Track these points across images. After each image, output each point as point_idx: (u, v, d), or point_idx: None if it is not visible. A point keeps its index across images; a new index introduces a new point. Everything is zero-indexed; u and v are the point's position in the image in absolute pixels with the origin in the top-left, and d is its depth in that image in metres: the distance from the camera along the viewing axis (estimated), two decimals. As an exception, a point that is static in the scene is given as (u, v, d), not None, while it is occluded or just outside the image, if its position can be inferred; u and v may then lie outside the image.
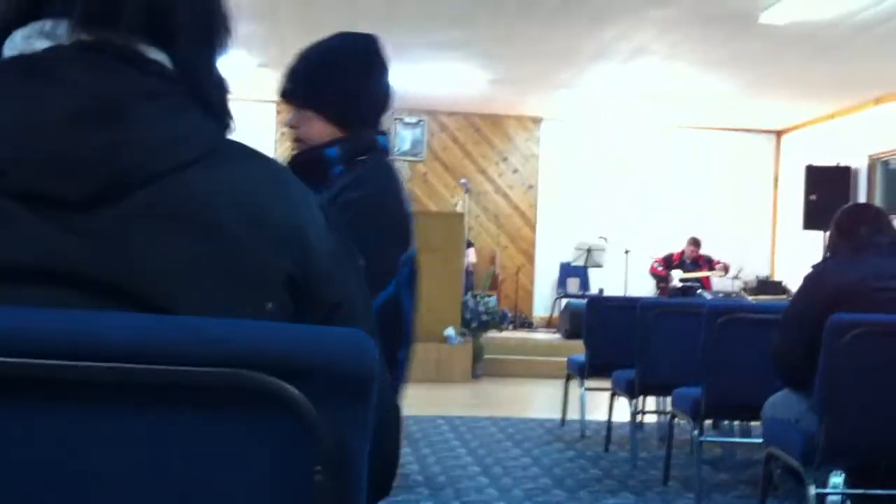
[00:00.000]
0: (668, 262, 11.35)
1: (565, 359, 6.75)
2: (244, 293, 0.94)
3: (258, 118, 11.40)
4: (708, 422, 4.57)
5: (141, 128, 0.94)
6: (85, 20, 0.98)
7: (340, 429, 0.88)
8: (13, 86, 0.95)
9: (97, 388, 0.84)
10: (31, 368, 0.82)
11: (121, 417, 0.86)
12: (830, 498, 3.53)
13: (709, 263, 11.25)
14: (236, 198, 0.96)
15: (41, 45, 0.97)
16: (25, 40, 0.98)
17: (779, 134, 13.19)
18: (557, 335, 10.98)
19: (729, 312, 4.37)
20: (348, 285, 1.06)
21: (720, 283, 11.38)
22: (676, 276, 11.22)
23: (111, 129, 0.93)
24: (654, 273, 11.36)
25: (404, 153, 12.93)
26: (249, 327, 0.90)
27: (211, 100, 1.05)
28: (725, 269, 11.18)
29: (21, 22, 1.00)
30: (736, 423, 5.37)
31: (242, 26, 8.59)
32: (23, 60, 0.97)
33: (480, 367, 9.35)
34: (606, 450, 5.49)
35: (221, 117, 1.06)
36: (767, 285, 11.93)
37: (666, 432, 5.24)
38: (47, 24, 0.99)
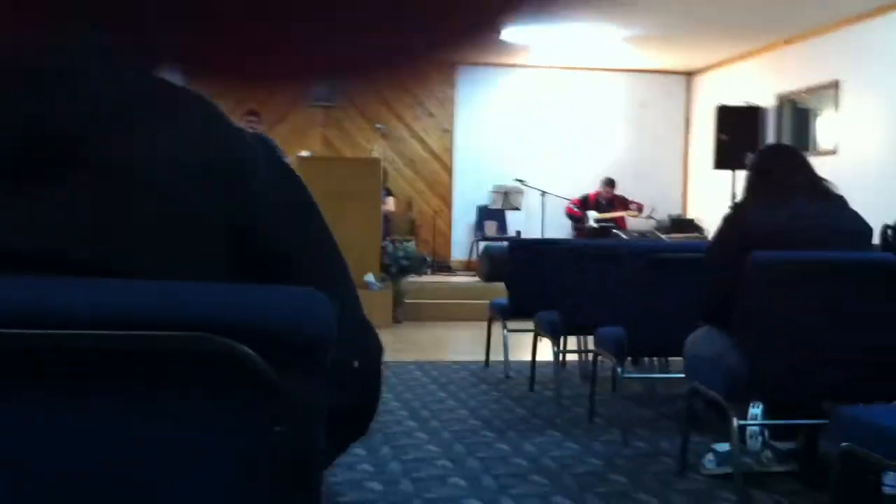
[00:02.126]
0: (584, 204, 11.48)
1: (485, 302, 6.82)
2: (188, 251, 0.92)
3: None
4: (629, 360, 4.67)
5: (83, 91, 0.90)
6: None
7: (297, 388, 0.88)
8: None
9: (54, 356, 0.83)
10: None
11: (80, 384, 0.85)
12: (750, 429, 3.66)
13: (624, 204, 11.42)
14: (176, 152, 0.93)
15: None
16: None
17: (690, 75, 13.37)
18: (476, 278, 11.06)
19: (649, 253, 4.46)
20: (299, 235, 1.03)
21: (635, 222, 11.57)
22: (592, 216, 11.36)
23: (35, 93, 0.89)
24: (570, 214, 11.49)
25: (318, 98, 12.74)
26: (204, 290, 0.89)
27: (149, 47, 0.98)
28: (640, 208, 11.35)
29: None
30: (655, 359, 5.51)
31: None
32: None
33: (401, 312, 9.39)
34: (531, 389, 5.58)
35: (159, 59, 1.00)
36: (681, 224, 12.19)
37: (588, 371, 5.36)
38: None
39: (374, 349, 1.08)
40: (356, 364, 1.05)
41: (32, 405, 0.84)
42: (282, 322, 0.89)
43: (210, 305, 0.87)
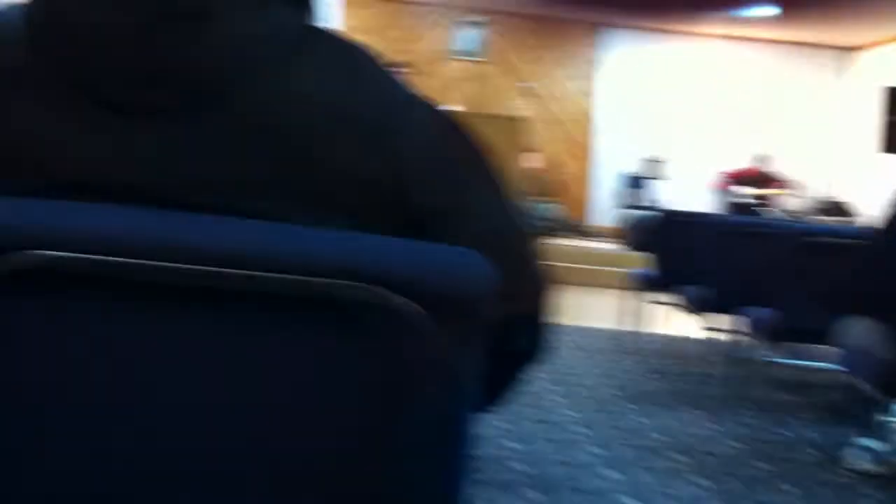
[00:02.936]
0: (736, 178, 11.17)
1: (625, 270, 6.72)
2: (327, 201, 0.89)
3: None
4: (777, 342, 4.54)
5: (224, 28, 0.88)
6: None
7: (448, 344, 0.86)
8: None
9: (209, 294, 0.83)
10: (150, 270, 0.81)
11: (228, 324, 0.85)
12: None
13: (774, 181, 11.07)
14: (319, 100, 0.90)
15: None
16: None
17: (849, 51, 12.78)
18: (615, 246, 10.93)
19: (805, 235, 4.31)
20: (459, 191, 0.97)
21: (782, 202, 11.21)
22: (743, 192, 11.05)
23: (192, 32, 0.87)
24: (721, 188, 11.20)
25: (464, 53, 12.70)
26: (358, 240, 0.87)
27: None
28: (792, 187, 10.99)
29: None
30: (804, 345, 5.34)
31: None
32: None
33: (537, 274, 9.36)
34: (672, 364, 5.50)
35: (303, 6, 0.96)
36: (830, 207, 11.74)
37: (734, 351, 5.24)
38: None
39: (542, 301, 1.08)
40: (525, 315, 1.05)
41: (181, 339, 0.85)
42: (437, 277, 0.86)
43: (364, 253, 0.85)
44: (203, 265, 0.82)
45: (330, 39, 0.95)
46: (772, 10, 10.68)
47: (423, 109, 0.97)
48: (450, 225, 0.95)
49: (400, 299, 0.83)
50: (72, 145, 0.86)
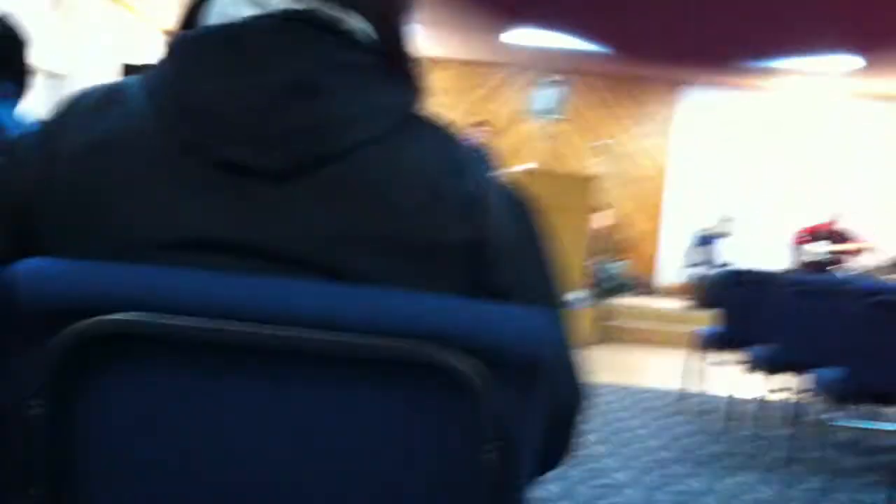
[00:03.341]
0: (811, 235, 11.01)
1: (692, 328, 6.65)
2: (419, 265, 0.95)
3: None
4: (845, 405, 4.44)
5: (335, 103, 0.95)
6: None
7: (509, 409, 0.89)
8: (217, 57, 0.96)
9: (280, 353, 0.87)
10: (221, 333, 0.85)
11: (299, 382, 0.88)
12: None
13: (848, 239, 10.88)
14: (419, 173, 0.96)
15: (248, 11, 0.98)
16: (232, 6, 0.99)
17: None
18: (681, 303, 10.81)
19: (877, 294, 4.23)
20: (527, 271, 1.04)
21: (855, 260, 10.99)
22: (818, 249, 10.87)
23: (307, 105, 0.94)
24: (796, 246, 11.03)
25: (542, 112, 12.81)
26: (427, 301, 0.91)
27: (406, 70, 1.06)
28: (868, 247, 10.79)
29: None
30: (873, 407, 5.21)
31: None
32: (228, 30, 0.97)
33: (605, 333, 9.30)
34: (728, 425, 5.39)
35: (415, 87, 1.06)
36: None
37: (790, 411, 5.13)
38: None
39: (575, 392, 1.08)
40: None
41: (252, 398, 0.89)
42: (504, 338, 0.90)
43: (433, 315, 0.89)
44: (280, 327, 0.86)
45: (426, 119, 1.03)
46: (855, 61, 10.49)
47: (505, 191, 1.05)
48: (513, 295, 1.00)
49: (467, 360, 0.86)
50: (191, 206, 0.92)
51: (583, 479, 3.96)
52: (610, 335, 9.38)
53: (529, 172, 10.20)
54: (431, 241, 0.95)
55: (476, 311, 0.92)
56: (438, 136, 1.03)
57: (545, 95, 12.84)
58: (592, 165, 11.73)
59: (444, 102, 12.56)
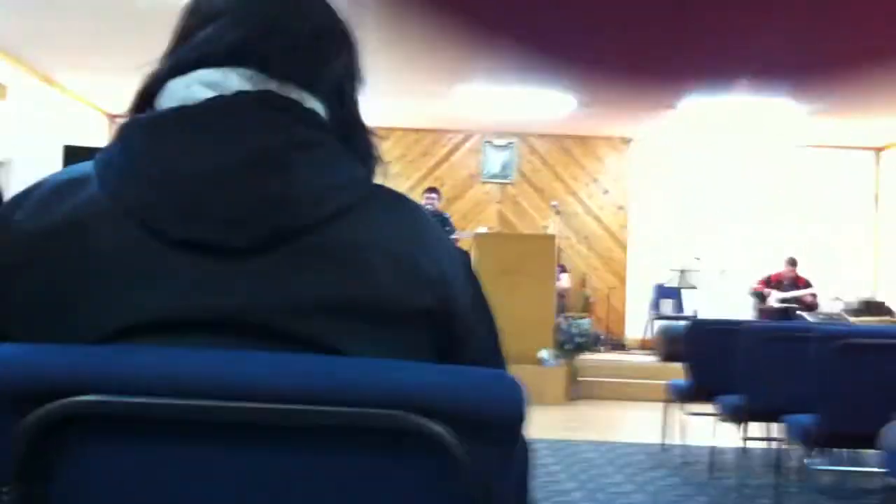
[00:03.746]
0: (767, 283, 11.14)
1: (661, 381, 6.66)
2: (390, 331, 0.97)
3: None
4: (818, 449, 4.44)
5: (301, 179, 0.96)
6: (247, 70, 1.02)
7: (488, 470, 0.89)
8: (178, 137, 0.97)
9: (254, 428, 0.87)
10: (195, 409, 0.86)
11: (278, 456, 0.88)
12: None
13: (807, 285, 11.01)
14: (385, 244, 0.99)
15: (202, 94, 1.00)
16: (186, 88, 1.01)
17: (878, 150, 12.83)
18: (652, 357, 10.83)
19: (842, 337, 4.25)
20: (487, 341, 1.08)
21: (822, 304, 11.11)
22: (775, 296, 10.99)
23: (274, 181, 0.95)
24: (756, 292, 11.14)
25: (494, 175, 12.96)
26: (404, 369, 0.92)
27: (361, 146, 1.09)
28: (825, 289, 10.95)
29: (179, 72, 1.03)
30: (845, 450, 5.23)
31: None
32: (187, 111, 0.99)
33: (576, 390, 9.28)
34: (712, 476, 5.38)
35: (370, 161, 1.09)
36: (871, 306, 11.59)
37: (772, 459, 5.13)
38: (208, 74, 1.01)
39: (524, 447, 1.10)
40: None
41: (227, 471, 0.88)
42: (484, 403, 0.91)
43: (405, 384, 0.90)
44: (248, 402, 0.86)
45: (386, 192, 1.06)
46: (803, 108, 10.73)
47: (460, 256, 1.10)
48: (467, 351, 1.04)
49: (438, 426, 0.87)
50: (155, 287, 0.92)
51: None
52: (584, 391, 9.36)
53: (489, 235, 10.26)
54: (400, 308, 0.97)
55: (454, 377, 0.93)
56: (400, 206, 1.06)
57: (497, 158, 13.00)
58: (550, 225, 11.81)
59: (397, 170, 12.65)
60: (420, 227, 1.05)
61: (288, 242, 0.94)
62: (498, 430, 0.92)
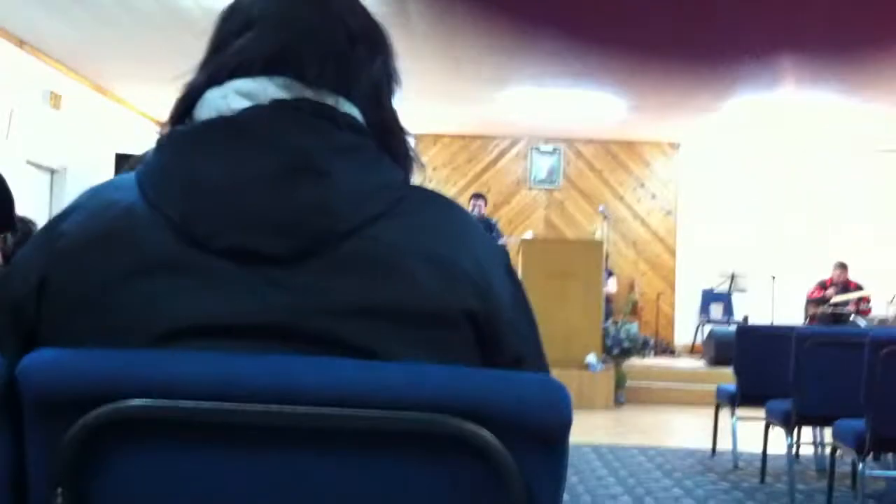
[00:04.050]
0: (824, 288, 10.99)
1: (709, 386, 6.62)
2: (433, 334, 0.97)
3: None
4: (870, 454, 4.38)
5: (340, 184, 0.97)
6: (282, 78, 1.03)
7: (533, 476, 0.89)
8: (218, 147, 0.99)
9: (298, 432, 0.88)
10: (241, 414, 0.87)
11: (321, 460, 0.89)
12: None
13: (859, 288, 10.84)
14: (424, 246, 0.99)
15: (238, 104, 1.01)
16: (223, 98, 1.02)
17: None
18: (700, 362, 10.75)
19: (892, 342, 4.20)
20: (529, 338, 1.07)
21: (877, 308, 10.93)
22: (832, 300, 10.83)
23: (314, 187, 0.96)
24: (813, 299, 10.98)
25: (541, 181, 12.95)
26: (447, 373, 0.93)
27: (397, 148, 1.10)
28: (866, 299, 10.78)
29: (216, 82, 1.04)
30: (899, 456, 5.16)
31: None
32: (225, 121, 1.00)
33: (622, 395, 9.24)
34: (762, 482, 5.33)
35: (406, 163, 1.10)
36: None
37: (822, 465, 5.08)
38: (245, 84, 1.03)
39: None
40: None
41: (271, 475, 0.89)
42: (519, 407, 0.91)
43: (448, 387, 0.90)
44: (292, 406, 0.87)
45: (423, 193, 1.06)
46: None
47: (501, 254, 1.08)
48: (513, 357, 1.03)
49: (482, 430, 0.87)
50: (195, 295, 0.93)
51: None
52: (631, 396, 9.32)
53: (535, 240, 10.25)
54: (441, 310, 0.97)
55: (498, 380, 0.94)
56: (438, 206, 1.06)
57: (543, 163, 12.98)
58: (597, 230, 11.77)
59: (443, 176, 12.69)
60: (458, 226, 1.05)
61: (328, 248, 0.95)
62: (543, 434, 0.92)
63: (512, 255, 10.46)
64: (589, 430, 7.34)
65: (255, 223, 0.95)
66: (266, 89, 1.02)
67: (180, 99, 1.07)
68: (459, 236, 1.04)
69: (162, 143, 1.02)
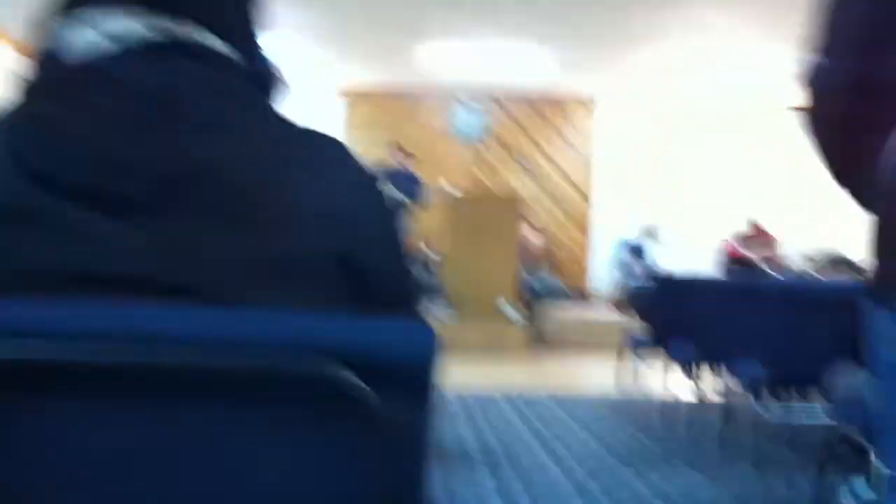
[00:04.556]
0: (742, 244, 11.21)
1: (623, 335, 6.73)
2: (300, 281, 0.95)
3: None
4: (767, 394, 4.52)
5: (201, 123, 0.94)
6: (144, 11, 0.99)
7: (403, 420, 0.89)
8: (78, 91, 0.95)
9: (165, 381, 0.86)
10: (105, 361, 0.83)
11: (187, 408, 0.88)
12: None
13: (770, 241, 11.10)
14: (290, 188, 0.96)
15: (98, 41, 0.97)
16: (82, 36, 0.97)
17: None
18: (615, 311, 10.93)
19: (793, 291, 4.33)
20: (402, 281, 1.07)
21: (789, 260, 11.21)
22: (745, 253, 11.07)
23: (172, 127, 0.93)
24: (731, 255, 11.20)
25: (464, 136, 12.95)
26: (314, 318, 0.91)
27: (266, 83, 1.06)
28: (791, 245, 11.04)
29: (73, 15, 0.99)
30: (795, 394, 5.33)
31: (305, 14, 8.80)
32: (85, 63, 0.96)
33: (538, 344, 9.36)
34: (667, 424, 5.47)
35: (275, 98, 1.07)
36: (837, 262, 11.70)
37: (726, 408, 5.22)
38: (104, 21, 0.98)
39: None
40: None
41: (126, 422, 0.87)
42: (387, 350, 0.91)
43: (315, 332, 0.89)
44: (153, 354, 0.84)
45: (294, 129, 1.02)
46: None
47: (375, 193, 1.06)
48: (382, 292, 1.02)
49: (350, 374, 0.86)
50: (49, 241, 0.89)
51: (526, 488, 3.97)
52: (546, 345, 9.45)
53: (456, 195, 10.27)
54: (311, 258, 0.95)
55: (366, 324, 0.92)
56: (309, 143, 1.03)
57: (465, 118, 12.98)
58: (518, 185, 11.83)
59: (366, 132, 12.61)
60: (328, 162, 1.02)
61: (190, 193, 0.91)
62: (411, 378, 0.91)
63: (435, 209, 10.47)
64: (503, 378, 7.43)
65: (112, 165, 0.90)
66: (127, 25, 0.98)
67: (40, 32, 1.01)
68: (329, 174, 1.00)
69: (19, 85, 0.98)
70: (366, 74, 11.35)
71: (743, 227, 11.29)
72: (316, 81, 11.70)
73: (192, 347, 0.85)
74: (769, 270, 10.71)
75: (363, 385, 0.85)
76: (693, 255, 11.53)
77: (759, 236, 11.18)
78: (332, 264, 0.96)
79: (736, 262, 11.12)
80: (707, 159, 12.82)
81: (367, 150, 11.80)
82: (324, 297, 0.96)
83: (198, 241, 0.91)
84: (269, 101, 1.04)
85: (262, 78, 1.06)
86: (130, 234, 0.89)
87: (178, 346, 0.84)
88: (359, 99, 12.71)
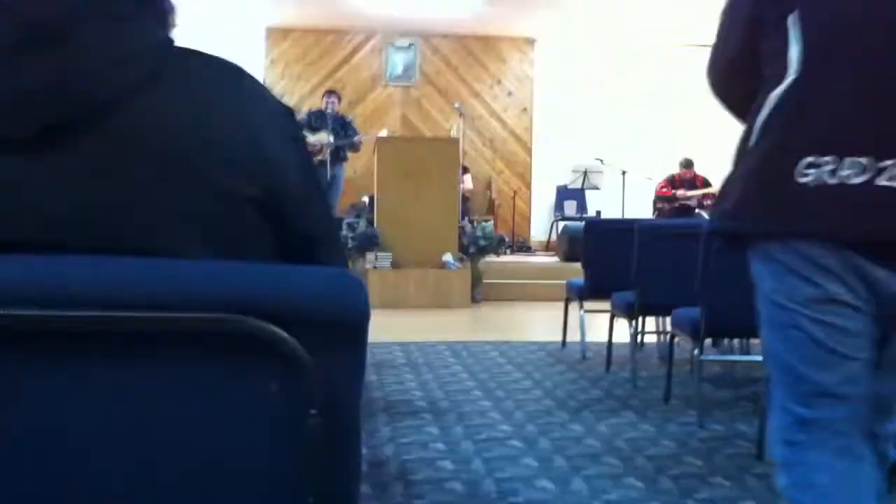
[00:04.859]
0: (672, 184, 11.33)
1: (562, 282, 6.78)
2: (216, 226, 0.91)
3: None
4: (708, 341, 4.60)
5: (88, 49, 0.87)
6: None
7: (334, 372, 0.89)
8: None
9: (81, 337, 0.83)
10: (12, 319, 0.81)
11: (108, 367, 0.86)
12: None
13: (706, 184, 11.24)
14: (194, 122, 0.90)
15: None
16: None
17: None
18: (555, 258, 11.01)
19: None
20: (319, 215, 1.03)
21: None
22: (680, 195, 11.20)
23: (56, 56, 0.85)
24: (662, 196, 11.31)
25: (396, 77, 12.81)
26: (238, 271, 0.89)
27: (155, 4, 0.97)
28: (713, 195, 11.17)
29: None
30: (735, 341, 5.43)
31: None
32: None
33: (479, 292, 9.40)
34: (607, 370, 5.55)
35: (167, 18, 0.98)
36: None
37: (664, 352, 5.31)
38: None
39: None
40: None
41: (56, 382, 0.85)
42: (316, 304, 0.89)
43: (242, 287, 0.87)
44: (72, 310, 0.82)
45: (196, 58, 0.95)
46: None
47: (285, 123, 1.00)
48: (316, 252, 1.00)
49: (278, 329, 0.85)
50: None
51: (468, 434, 4.00)
52: (487, 294, 9.49)
53: (391, 139, 10.18)
54: (225, 201, 0.91)
55: (293, 277, 0.91)
56: (212, 74, 0.96)
57: (399, 60, 12.84)
58: (453, 127, 11.78)
59: (296, 72, 12.41)
60: (233, 96, 0.95)
61: (86, 129, 0.85)
62: (339, 330, 0.90)
63: (367, 153, 10.36)
64: (445, 327, 7.47)
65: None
66: None
67: None
68: (236, 109, 0.94)
69: None
70: (290, 10, 11.10)
71: (677, 168, 11.40)
72: (240, 17, 11.40)
73: (113, 303, 0.82)
74: (698, 211, 10.85)
75: (289, 337, 0.84)
76: (632, 201, 11.61)
77: (690, 176, 11.29)
78: (249, 205, 0.93)
79: (665, 202, 11.24)
80: (653, 99, 12.88)
81: (291, 87, 11.62)
82: (247, 238, 0.93)
83: (104, 184, 0.86)
84: (164, 29, 0.97)
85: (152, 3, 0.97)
86: (30, 179, 0.84)
87: (100, 301, 0.82)
88: (283, 35, 12.45)
